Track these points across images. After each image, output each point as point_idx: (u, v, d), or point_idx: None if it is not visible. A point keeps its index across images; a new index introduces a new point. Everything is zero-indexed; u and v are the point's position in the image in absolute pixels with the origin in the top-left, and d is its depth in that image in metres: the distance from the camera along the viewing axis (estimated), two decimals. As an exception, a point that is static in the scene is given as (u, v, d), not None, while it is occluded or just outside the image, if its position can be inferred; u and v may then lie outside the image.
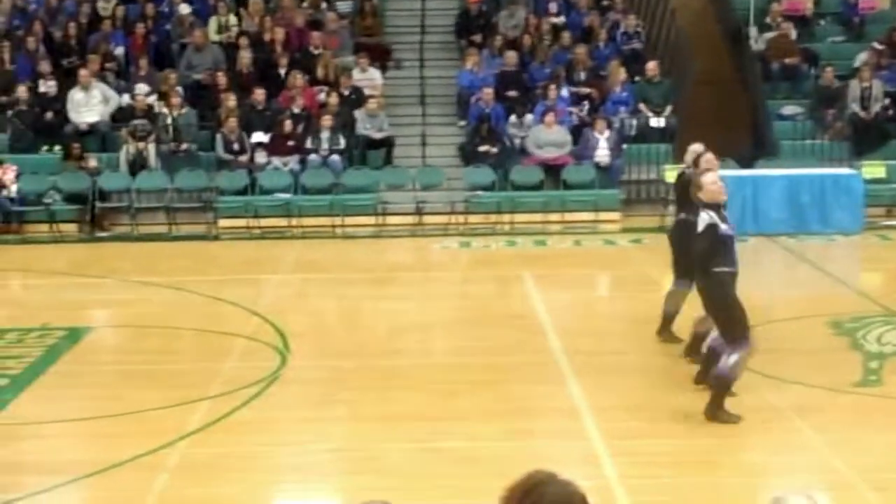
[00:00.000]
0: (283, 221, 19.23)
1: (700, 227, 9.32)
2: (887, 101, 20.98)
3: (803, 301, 14.22)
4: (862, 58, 21.73)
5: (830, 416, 9.57)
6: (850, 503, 8.04)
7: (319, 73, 21.34)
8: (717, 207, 9.40)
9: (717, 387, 9.44)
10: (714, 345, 9.79)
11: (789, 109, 21.54)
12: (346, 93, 20.87)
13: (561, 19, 22.86)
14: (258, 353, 11.89)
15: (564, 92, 20.89)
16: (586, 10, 22.84)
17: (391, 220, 19.43)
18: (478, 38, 22.35)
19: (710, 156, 11.05)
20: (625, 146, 20.44)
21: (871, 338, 11.83)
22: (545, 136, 20.14)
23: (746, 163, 20.26)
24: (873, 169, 19.35)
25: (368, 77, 21.44)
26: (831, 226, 17.66)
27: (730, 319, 9.33)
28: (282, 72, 21.29)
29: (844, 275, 15.40)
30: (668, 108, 21.03)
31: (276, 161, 19.98)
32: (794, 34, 22.37)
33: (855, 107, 20.72)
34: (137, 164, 19.94)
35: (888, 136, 20.67)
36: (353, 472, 8.70)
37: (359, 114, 20.60)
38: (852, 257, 16.80)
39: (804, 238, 16.59)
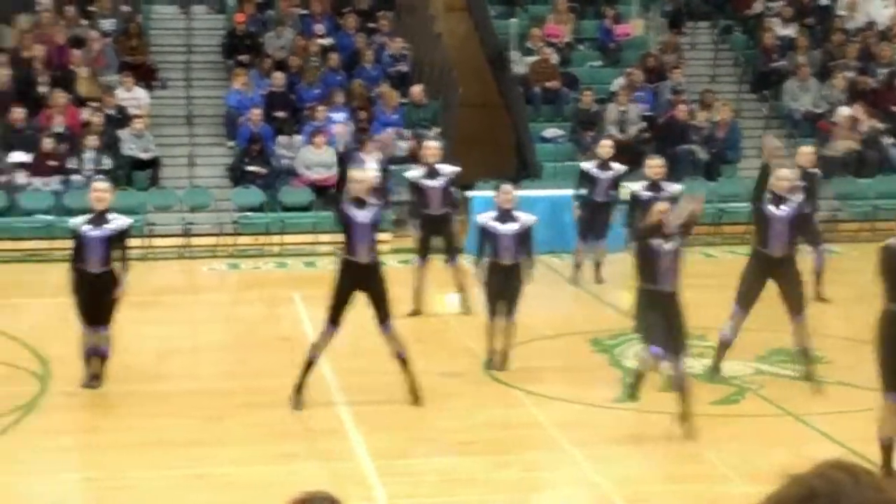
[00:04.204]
0: (44, 244, 18.64)
1: None
2: (643, 124, 21.80)
3: (565, 319, 14.63)
4: (619, 82, 22.53)
5: (590, 432, 9.87)
6: (608, 515, 8.33)
7: (82, 91, 20.85)
8: None
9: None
10: None
11: (551, 132, 22.13)
12: (111, 112, 20.44)
13: (328, 41, 22.94)
14: (16, 380, 11.53)
15: (333, 114, 20.96)
16: (353, 32, 22.98)
17: (158, 241, 19.07)
18: (245, 58, 22.22)
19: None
20: (394, 167, 20.62)
21: (628, 354, 12.25)
22: (314, 156, 20.16)
23: (511, 183, 20.69)
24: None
25: (134, 96, 21.05)
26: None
27: None
28: (42, 90, 20.71)
29: (604, 293, 15.89)
30: (436, 130, 21.32)
31: (37, 182, 19.41)
32: (554, 59, 23.03)
33: (613, 129, 21.44)
34: None
35: (644, 158, 21.44)
36: (107, 502, 8.50)
37: (124, 134, 20.20)
38: (612, 276, 17.33)
39: (567, 257, 17.05)
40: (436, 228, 14.33)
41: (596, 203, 16.03)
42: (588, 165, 16.30)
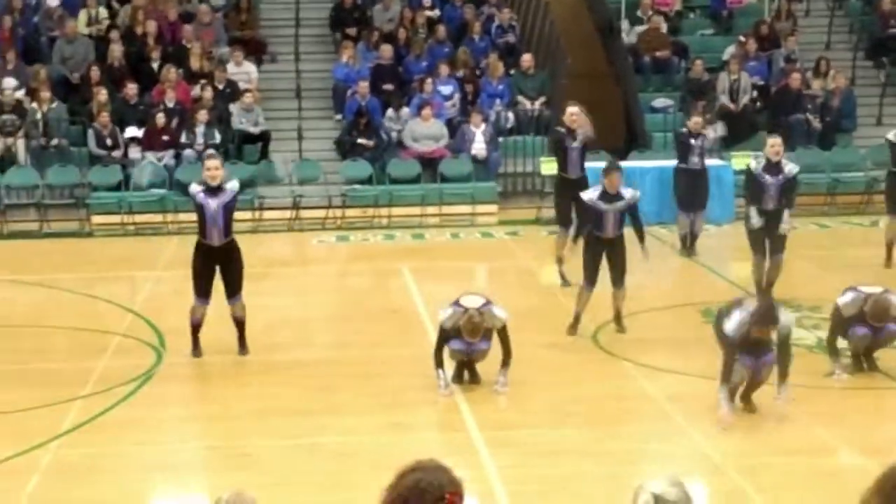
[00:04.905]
0: (157, 217, 18.98)
1: None
2: (755, 93, 21.45)
3: (676, 290, 14.51)
4: (730, 51, 22.18)
5: (701, 404, 9.75)
6: (720, 488, 8.24)
7: (193, 66, 21.11)
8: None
9: None
10: None
11: (660, 102, 21.87)
12: (221, 87, 20.68)
13: (436, 13, 22.92)
14: (133, 351, 11.76)
15: (440, 86, 20.96)
16: (461, 4, 22.93)
17: (268, 214, 19.29)
18: (353, 31, 22.31)
19: None
20: (501, 139, 20.59)
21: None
22: (422, 129, 20.19)
23: (619, 154, 20.54)
24: (742, 160, 19.71)
25: (243, 71, 21.27)
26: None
27: None
28: (154, 65, 21.02)
29: (715, 264, 15.72)
30: (542, 99, 21.19)
31: (151, 156, 19.73)
32: (664, 27, 22.75)
33: (724, 99, 21.13)
34: (6, 161, 19.55)
35: (756, 128, 21.12)
36: (226, 470, 8.65)
37: (234, 108, 20.43)
38: (723, 246, 17.14)
39: (676, 228, 16.86)
40: (573, 194, 13.99)
41: (692, 171, 16.07)
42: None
